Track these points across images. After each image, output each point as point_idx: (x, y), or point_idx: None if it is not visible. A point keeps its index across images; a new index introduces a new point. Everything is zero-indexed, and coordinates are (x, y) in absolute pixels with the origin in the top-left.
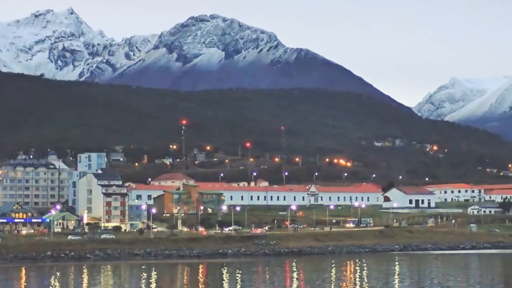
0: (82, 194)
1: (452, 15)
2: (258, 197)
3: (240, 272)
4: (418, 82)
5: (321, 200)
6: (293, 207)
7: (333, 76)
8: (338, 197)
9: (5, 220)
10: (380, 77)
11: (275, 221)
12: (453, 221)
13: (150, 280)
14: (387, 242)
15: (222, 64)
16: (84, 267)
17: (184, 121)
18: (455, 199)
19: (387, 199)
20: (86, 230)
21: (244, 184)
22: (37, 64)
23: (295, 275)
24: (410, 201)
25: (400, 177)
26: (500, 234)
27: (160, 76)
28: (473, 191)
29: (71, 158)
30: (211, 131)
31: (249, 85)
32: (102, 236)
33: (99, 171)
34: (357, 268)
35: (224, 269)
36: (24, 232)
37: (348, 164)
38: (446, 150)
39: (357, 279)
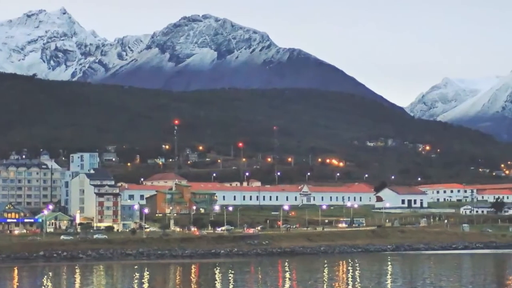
0: (75, 194)
1: (445, 15)
2: (250, 197)
3: (232, 272)
4: (410, 82)
5: (314, 200)
6: (286, 207)
7: (326, 76)
8: (331, 197)
9: None
10: (372, 77)
11: (268, 221)
12: (446, 221)
13: (143, 280)
14: (380, 242)
15: (215, 64)
16: (76, 267)
17: (176, 121)
18: (447, 199)
19: (379, 199)
20: (79, 230)
21: (236, 184)
22: (29, 64)
23: (287, 275)
24: (403, 201)
25: (393, 177)
26: (493, 234)
27: (153, 76)
28: (465, 191)
29: (63, 158)
30: (203, 131)
31: (241, 85)
32: (95, 236)
33: (92, 171)
34: (349, 268)
35: (216, 269)
36: (16, 232)
37: (341, 164)
38: (438, 150)
39: (350, 279)
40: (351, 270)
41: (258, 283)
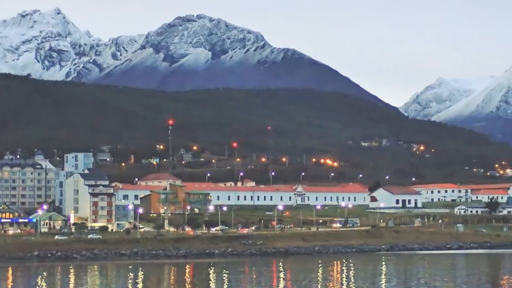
0: (69, 194)
1: (439, 15)
2: (245, 197)
3: (227, 272)
4: (405, 82)
5: (308, 200)
6: (280, 207)
7: (320, 76)
8: (325, 197)
9: None
10: (367, 77)
11: (262, 221)
12: (440, 221)
13: (137, 280)
14: (374, 242)
15: (209, 64)
16: (70, 267)
17: (171, 121)
18: (442, 199)
19: (373, 199)
20: (73, 230)
21: (231, 184)
22: (23, 64)
23: (282, 275)
24: (397, 201)
25: (387, 177)
26: (487, 234)
27: (147, 76)
28: (459, 191)
29: (57, 158)
30: (197, 131)
31: (236, 85)
32: (89, 236)
33: (86, 171)
34: (343, 268)
35: (211, 269)
36: (10, 232)
37: (335, 164)
38: (433, 150)
39: (344, 279)
40: (345, 270)
41: (252, 283)
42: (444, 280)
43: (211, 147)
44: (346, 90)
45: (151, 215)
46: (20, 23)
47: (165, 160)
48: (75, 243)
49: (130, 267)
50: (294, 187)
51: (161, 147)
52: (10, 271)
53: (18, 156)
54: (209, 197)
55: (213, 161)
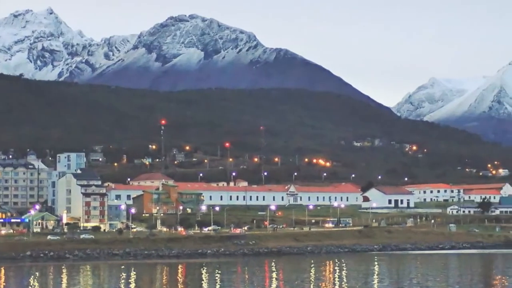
0: (61, 194)
1: (432, 15)
2: (237, 197)
3: (219, 272)
4: (397, 82)
5: (300, 200)
6: (272, 207)
7: (313, 76)
8: (317, 197)
9: None
10: (359, 77)
11: (254, 221)
12: (432, 221)
13: (129, 280)
14: (366, 242)
15: (201, 64)
16: (63, 267)
17: (163, 121)
18: (434, 199)
19: (366, 199)
20: (65, 230)
21: (223, 184)
22: (16, 64)
23: (274, 275)
24: (389, 201)
25: (379, 177)
26: (479, 234)
27: (139, 76)
28: (452, 191)
29: (50, 158)
30: (190, 131)
31: (228, 85)
32: (81, 236)
33: (78, 171)
34: (336, 268)
35: (203, 269)
36: (3, 232)
37: (327, 164)
38: (425, 150)
39: (336, 279)
40: (338, 270)
41: (245, 283)
42: (437, 280)
43: (204, 147)
44: (339, 90)
45: (143, 215)
46: (12, 23)
47: (157, 160)
48: (67, 243)
49: (122, 267)
50: (286, 187)
51: (154, 147)
52: (3, 271)
53: (10, 156)
54: (202, 197)
55: (206, 161)
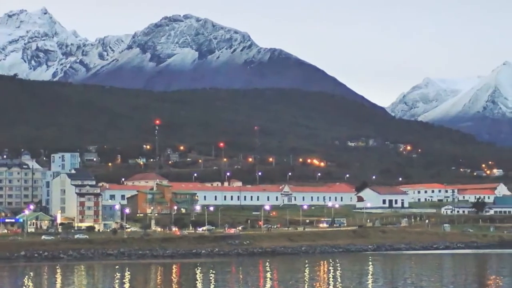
0: (56, 194)
1: (426, 15)
2: (231, 197)
3: (213, 272)
4: (391, 82)
5: (295, 200)
6: (267, 207)
7: (307, 76)
8: (312, 197)
9: None
10: (353, 77)
11: (249, 221)
12: (427, 221)
13: (124, 280)
14: (361, 242)
15: (196, 64)
16: (57, 267)
17: (157, 121)
18: (428, 199)
19: (360, 199)
20: (60, 230)
21: (217, 184)
22: (10, 64)
23: (268, 275)
24: (384, 201)
25: (374, 177)
26: (474, 234)
27: (134, 76)
28: (446, 191)
29: (44, 158)
30: (184, 131)
31: (222, 85)
32: (76, 236)
33: (73, 171)
34: (330, 268)
35: (197, 269)
36: None
37: (322, 164)
38: (419, 150)
39: (331, 279)
40: (332, 270)
41: (239, 283)
42: (431, 280)
43: (198, 147)
44: (333, 90)
45: (137, 215)
46: (6, 23)
47: (151, 160)
48: (62, 243)
49: (117, 267)
50: (280, 187)
51: (148, 147)
52: None
53: (5, 156)
54: (196, 197)
55: (200, 161)
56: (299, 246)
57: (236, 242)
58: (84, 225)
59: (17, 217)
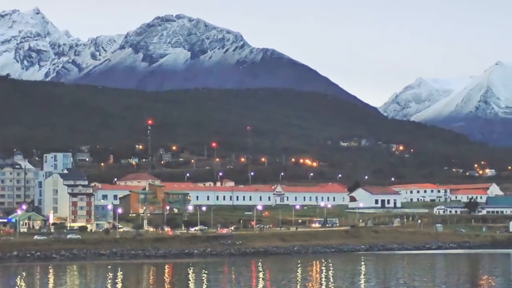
0: (48, 194)
1: (418, 15)
2: (224, 197)
3: (206, 272)
4: (384, 82)
5: (287, 200)
6: (259, 207)
7: (299, 76)
8: (304, 197)
9: None
10: (346, 77)
11: (241, 221)
12: (419, 221)
13: (116, 280)
14: (353, 242)
15: (188, 64)
16: (50, 267)
17: (150, 121)
18: (421, 199)
19: (353, 199)
20: (52, 230)
21: (210, 184)
22: (2, 64)
23: (261, 275)
24: (376, 201)
25: (366, 177)
26: (466, 234)
27: (126, 76)
28: (439, 191)
29: (37, 158)
30: (177, 131)
31: (215, 85)
32: (68, 236)
33: (65, 171)
34: (323, 268)
35: (190, 269)
36: None
37: (314, 164)
38: (412, 150)
39: (323, 279)
40: (324, 270)
41: (231, 283)
42: (423, 280)
43: (190, 147)
44: (325, 90)
45: (130, 215)
46: None
47: (144, 160)
48: (54, 243)
49: (109, 267)
50: (273, 187)
51: (140, 147)
52: None
53: None
54: (188, 197)
55: (192, 161)
56: (291, 246)
57: (229, 242)
58: (76, 225)
59: (9, 217)
